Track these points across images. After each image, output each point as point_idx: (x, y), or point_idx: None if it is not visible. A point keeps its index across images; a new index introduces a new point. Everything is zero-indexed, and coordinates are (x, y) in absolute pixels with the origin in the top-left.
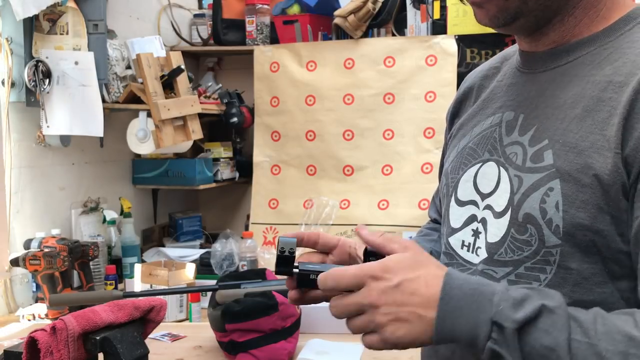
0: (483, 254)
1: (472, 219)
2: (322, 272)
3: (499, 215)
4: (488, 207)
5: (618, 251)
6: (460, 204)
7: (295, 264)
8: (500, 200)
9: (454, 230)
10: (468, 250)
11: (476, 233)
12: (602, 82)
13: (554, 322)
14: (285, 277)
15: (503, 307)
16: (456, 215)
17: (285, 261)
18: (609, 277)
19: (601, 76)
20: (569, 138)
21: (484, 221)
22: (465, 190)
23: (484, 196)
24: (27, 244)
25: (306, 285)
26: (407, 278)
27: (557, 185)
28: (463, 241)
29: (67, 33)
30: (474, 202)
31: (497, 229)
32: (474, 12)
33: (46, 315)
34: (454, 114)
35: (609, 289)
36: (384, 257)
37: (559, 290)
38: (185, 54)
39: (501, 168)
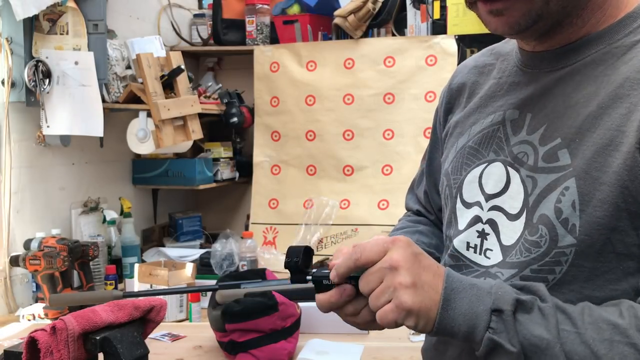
0: (497, 257)
1: (476, 220)
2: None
3: (514, 217)
4: (496, 207)
5: (633, 245)
6: (467, 205)
7: (314, 271)
8: (513, 203)
9: (459, 232)
10: (475, 252)
11: (483, 234)
12: (617, 80)
13: (545, 313)
14: (285, 280)
15: (502, 294)
16: (463, 217)
17: (294, 270)
18: (623, 274)
19: (616, 75)
20: (585, 136)
21: (492, 222)
22: (470, 191)
23: (488, 197)
24: (27, 244)
25: (322, 289)
26: (423, 254)
27: (573, 184)
28: (468, 243)
29: (67, 33)
30: (478, 204)
31: (512, 231)
32: (487, 22)
33: (46, 315)
34: (448, 109)
35: (622, 286)
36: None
37: (568, 287)
38: (185, 54)
39: (510, 168)
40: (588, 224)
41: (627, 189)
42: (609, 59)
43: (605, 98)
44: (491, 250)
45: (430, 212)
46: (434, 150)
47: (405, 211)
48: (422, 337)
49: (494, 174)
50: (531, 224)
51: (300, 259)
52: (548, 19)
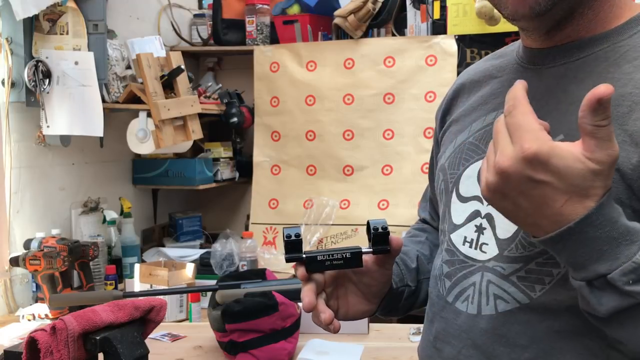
0: (493, 250)
1: (476, 214)
2: (330, 253)
3: None
4: None
5: None
6: (463, 200)
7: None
8: None
9: (456, 227)
10: (470, 247)
11: (480, 229)
12: (621, 79)
13: None
14: (285, 280)
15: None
16: (459, 212)
17: (294, 246)
18: None
19: (619, 73)
20: None
21: (489, 217)
22: (468, 186)
23: None
24: (27, 244)
25: (316, 267)
26: (554, 185)
27: None
28: (465, 237)
29: (67, 33)
30: (477, 198)
31: (509, 225)
32: (504, 5)
33: (46, 315)
34: (445, 111)
35: None
36: (387, 237)
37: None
38: (185, 54)
39: None
40: None
41: (630, 187)
42: (611, 57)
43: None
44: (487, 244)
45: (434, 219)
46: (435, 156)
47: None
48: None
49: None
50: None
51: (300, 235)
52: (565, 3)
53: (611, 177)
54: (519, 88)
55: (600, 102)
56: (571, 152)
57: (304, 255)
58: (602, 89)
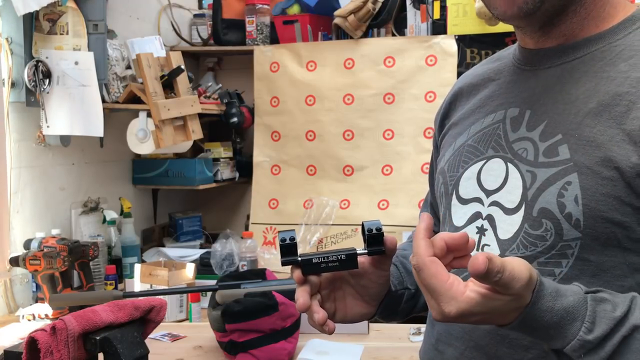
0: (494, 251)
1: (476, 216)
2: (325, 256)
3: (511, 211)
4: (495, 203)
5: (639, 241)
6: (464, 202)
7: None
8: (511, 197)
9: (457, 229)
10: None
11: (481, 230)
12: (618, 78)
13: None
14: (285, 280)
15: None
16: (459, 214)
17: (289, 249)
18: (629, 270)
19: (616, 72)
20: (585, 132)
21: (490, 218)
22: (467, 187)
23: (489, 193)
24: (27, 244)
25: (311, 270)
26: (486, 318)
27: (575, 179)
28: None
29: (67, 33)
30: (478, 200)
31: (509, 225)
32: (495, 6)
33: (46, 315)
34: (444, 115)
35: (628, 282)
36: (382, 237)
37: (576, 282)
38: (185, 54)
39: (509, 164)
40: (592, 218)
41: (629, 185)
42: (607, 56)
43: (604, 96)
44: (488, 245)
45: (435, 223)
46: (435, 160)
47: None
48: (422, 337)
49: (494, 169)
50: (531, 217)
51: (295, 239)
52: (555, 1)
53: (525, 287)
54: (420, 238)
55: (481, 276)
56: (485, 295)
57: (299, 258)
58: (480, 264)
